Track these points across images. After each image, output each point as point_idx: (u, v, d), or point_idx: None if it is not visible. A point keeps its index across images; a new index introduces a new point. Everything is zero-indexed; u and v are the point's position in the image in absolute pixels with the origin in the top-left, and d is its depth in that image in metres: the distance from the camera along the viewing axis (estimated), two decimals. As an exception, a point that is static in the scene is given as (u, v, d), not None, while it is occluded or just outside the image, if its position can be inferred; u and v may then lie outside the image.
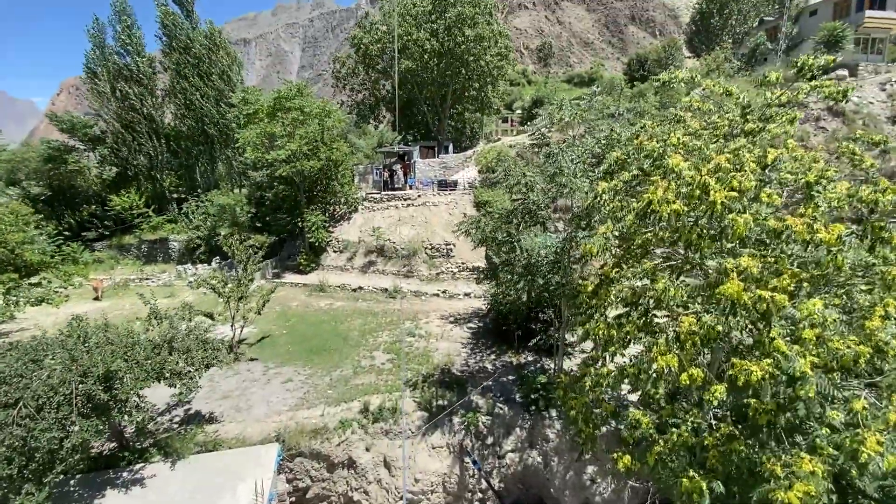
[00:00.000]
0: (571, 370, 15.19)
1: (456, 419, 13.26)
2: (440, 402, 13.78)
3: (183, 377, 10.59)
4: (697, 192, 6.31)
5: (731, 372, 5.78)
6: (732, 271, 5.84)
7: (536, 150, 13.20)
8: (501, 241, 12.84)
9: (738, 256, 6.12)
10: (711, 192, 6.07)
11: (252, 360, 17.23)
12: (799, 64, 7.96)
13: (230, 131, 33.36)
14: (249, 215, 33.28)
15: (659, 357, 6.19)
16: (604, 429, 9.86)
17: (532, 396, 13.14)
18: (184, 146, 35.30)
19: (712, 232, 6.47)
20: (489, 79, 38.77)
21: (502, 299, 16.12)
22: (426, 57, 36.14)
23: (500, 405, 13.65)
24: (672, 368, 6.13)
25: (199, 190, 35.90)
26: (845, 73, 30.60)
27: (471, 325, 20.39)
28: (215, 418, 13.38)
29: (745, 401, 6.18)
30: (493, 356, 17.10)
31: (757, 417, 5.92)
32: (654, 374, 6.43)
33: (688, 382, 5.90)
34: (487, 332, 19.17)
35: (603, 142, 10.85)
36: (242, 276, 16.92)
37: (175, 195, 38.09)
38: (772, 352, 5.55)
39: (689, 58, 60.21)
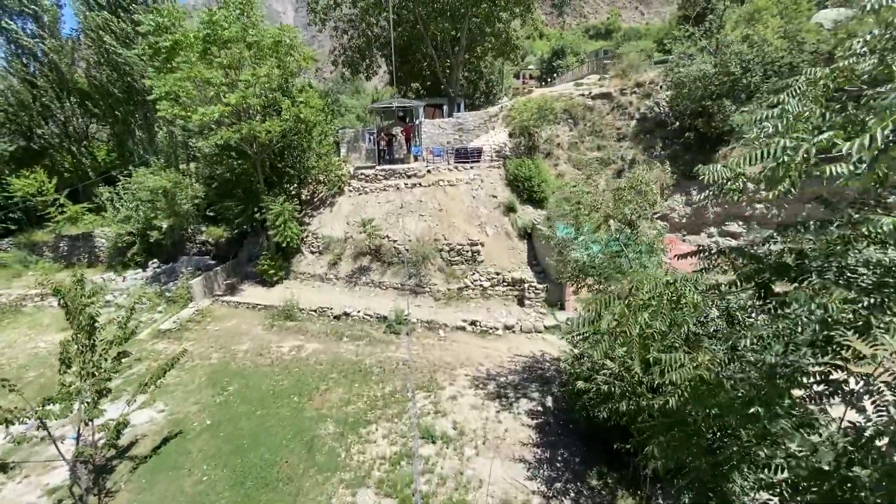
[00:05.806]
0: None
1: None
2: None
3: None
4: None
5: None
6: None
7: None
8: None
9: None
10: None
11: (123, 515, 8.85)
12: None
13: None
14: (196, 201, 24.34)
15: None
16: None
17: None
18: (103, 106, 25.81)
19: None
20: (519, 9, 28.51)
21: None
22: (434, -26, 26.00)
23: None
24: None
25: (132, 167, 26.73)
26: None
27: (530, 402, 11.86)
28: None
29: None
30: (594, 504, 8.65)
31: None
32: None
33: None
34: (567, 430, 10.65)
35: None
36: (90, 360, 8.25)
37: (112, 175, 28.96)
38: None
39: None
